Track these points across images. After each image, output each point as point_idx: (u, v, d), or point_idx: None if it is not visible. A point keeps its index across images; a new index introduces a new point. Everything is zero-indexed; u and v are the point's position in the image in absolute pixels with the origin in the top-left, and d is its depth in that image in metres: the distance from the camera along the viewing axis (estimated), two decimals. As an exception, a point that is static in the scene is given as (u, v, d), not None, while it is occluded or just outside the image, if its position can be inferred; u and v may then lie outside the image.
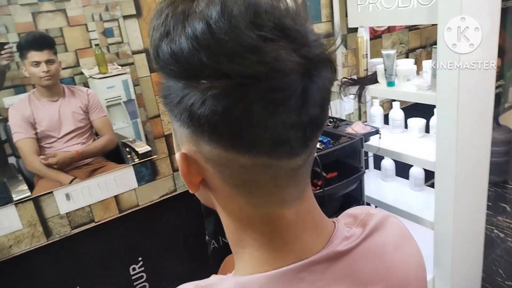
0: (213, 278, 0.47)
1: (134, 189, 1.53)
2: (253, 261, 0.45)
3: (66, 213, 1.41)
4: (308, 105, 0.37)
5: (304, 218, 0.45)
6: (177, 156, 0.43)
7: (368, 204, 2.06)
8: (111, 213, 1.50)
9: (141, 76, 1.49)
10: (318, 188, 1.57)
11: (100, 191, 1.45)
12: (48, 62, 1.40)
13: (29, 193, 1.50)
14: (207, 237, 1.80)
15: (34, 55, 1.38)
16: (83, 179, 1.49)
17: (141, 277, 1.68)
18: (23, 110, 1.47)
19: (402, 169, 2.07)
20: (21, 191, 1.54)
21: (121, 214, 1.52)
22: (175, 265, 1.75)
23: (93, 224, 1.46)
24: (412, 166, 1.95)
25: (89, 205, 1.44)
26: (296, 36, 0.36)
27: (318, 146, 1.61)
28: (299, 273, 0.43)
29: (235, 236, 0.46)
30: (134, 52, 1.46)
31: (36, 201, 1.35)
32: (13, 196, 1.53)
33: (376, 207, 2.12)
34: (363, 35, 1.85)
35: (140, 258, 1.66)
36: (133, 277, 1.66)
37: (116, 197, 1.50)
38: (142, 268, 1.68)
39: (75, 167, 1.56)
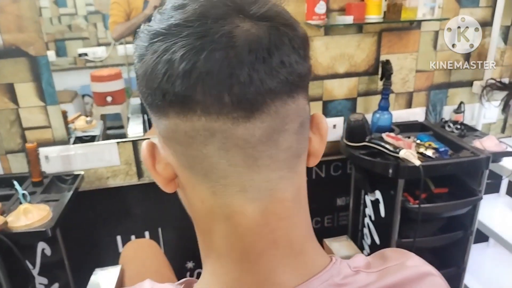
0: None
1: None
2: (212, 274, 0.40)
3: (158, 161, 1.50)
4: (237, 52, 0.33)
5: (274, 227, 0.38)
6: (143, 144, 0.40)
7: (483, 236, 1.72)
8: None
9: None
10: (417, 201, 1.35)
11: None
12: None
13: (141, 134, 1.65)
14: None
15: None
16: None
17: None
18: None
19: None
20: (136, 130, 1.71)
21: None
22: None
23: (180, 176, 1.54)
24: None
25: (179, 158, 1.52)
26: None
27: (430, 154, 1.37)
28: None
29: (200, 243, 0.42)
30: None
31: (135, 144, 1.47)
32: (128, 133, 1.71)
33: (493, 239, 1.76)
34: (532, 30, 1.46)
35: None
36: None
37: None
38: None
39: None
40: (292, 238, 0.39)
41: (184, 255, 1.74)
